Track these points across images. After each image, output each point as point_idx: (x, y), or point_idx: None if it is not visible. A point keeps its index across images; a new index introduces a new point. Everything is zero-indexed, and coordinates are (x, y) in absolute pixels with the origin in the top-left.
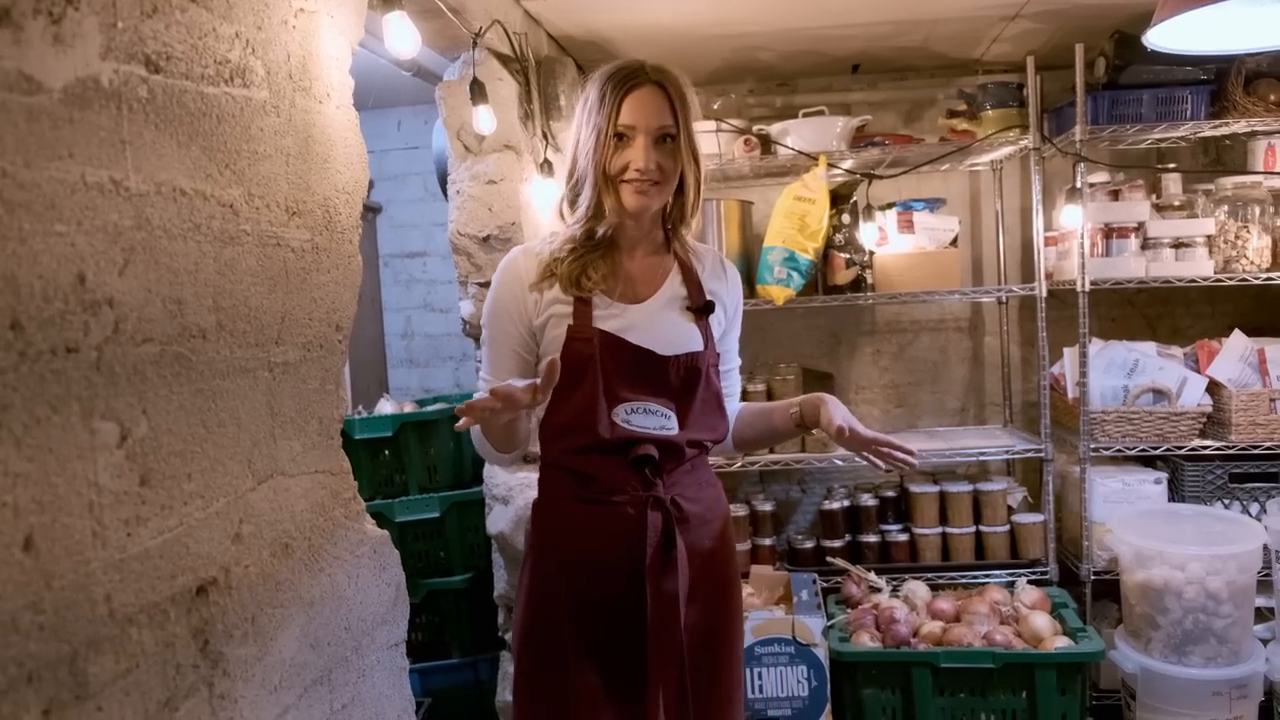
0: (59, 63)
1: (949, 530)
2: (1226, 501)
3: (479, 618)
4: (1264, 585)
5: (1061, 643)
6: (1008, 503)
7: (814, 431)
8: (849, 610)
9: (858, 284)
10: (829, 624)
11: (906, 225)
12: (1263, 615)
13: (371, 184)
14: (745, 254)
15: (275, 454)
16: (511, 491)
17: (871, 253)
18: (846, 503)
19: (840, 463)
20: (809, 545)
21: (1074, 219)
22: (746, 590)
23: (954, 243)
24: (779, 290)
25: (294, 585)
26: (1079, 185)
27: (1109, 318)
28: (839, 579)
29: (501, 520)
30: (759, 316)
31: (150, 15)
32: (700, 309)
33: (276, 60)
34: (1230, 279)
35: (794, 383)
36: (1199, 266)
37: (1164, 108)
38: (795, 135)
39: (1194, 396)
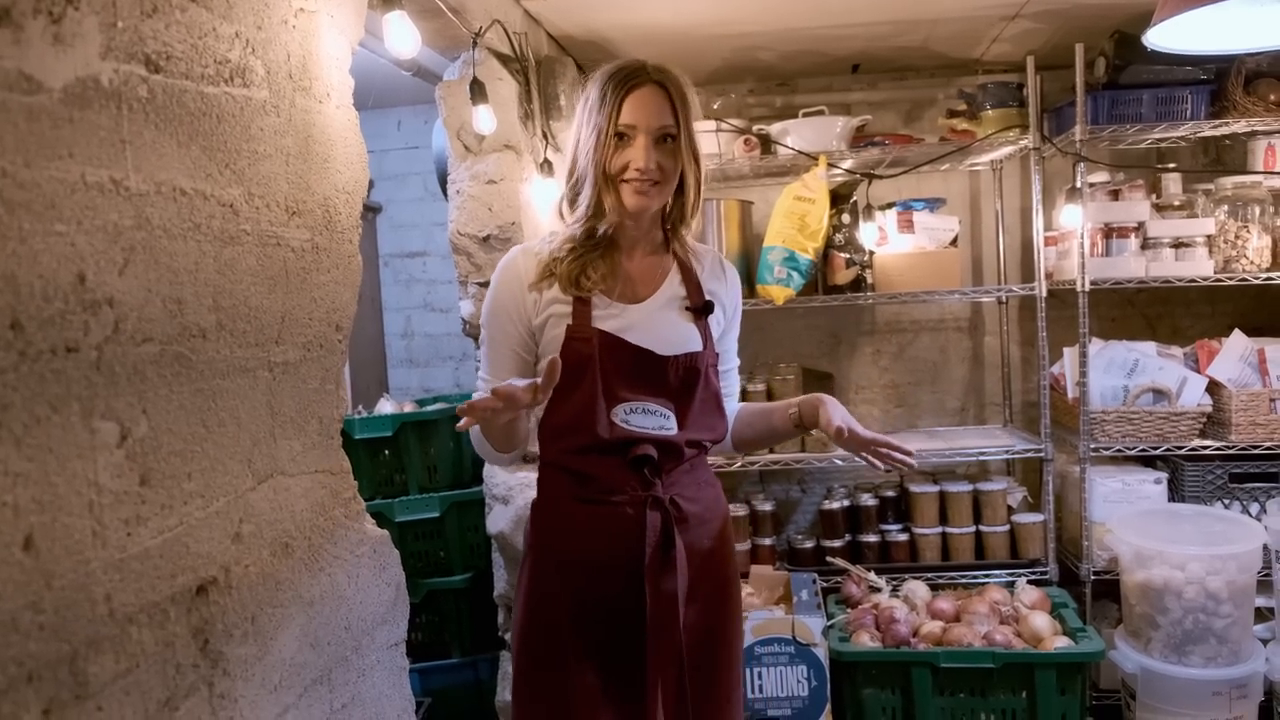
0: (59, 62)
1: (949, 530)
2: (1226, 501)
3: (479, 617)
4: (1264, 585)
5: (1061, 643)
6: (1008, 503)
7: (813, 432)
8: (849, 610)
9: (858, 284)
10: (829, 624)
11: (906, 225)
12: (1263, 615)
13: (371, 184)
14: (745, 254)
15: (275, 453)
16: (511, 491)
17: (871, 253)
18: (846, 503)
19: (840, 463)
20: (809, 545)
21: (1074, 219)
22: (746, 590)
23: (954, 243)
24: (779, 290)
25: (294, 585)
26: (1079, 185)
27: (1109, 318)
28: (839, 579)
29: (501, 520)
30: (759, 316)
31: (150, 15)
32: (699, 309)
33: (276, 60)
34: (1230, 279)
35: (794, 383)
36: (1199, 266)
37: (1164, 108)
38: (795, 135)
39: (1194, 396)
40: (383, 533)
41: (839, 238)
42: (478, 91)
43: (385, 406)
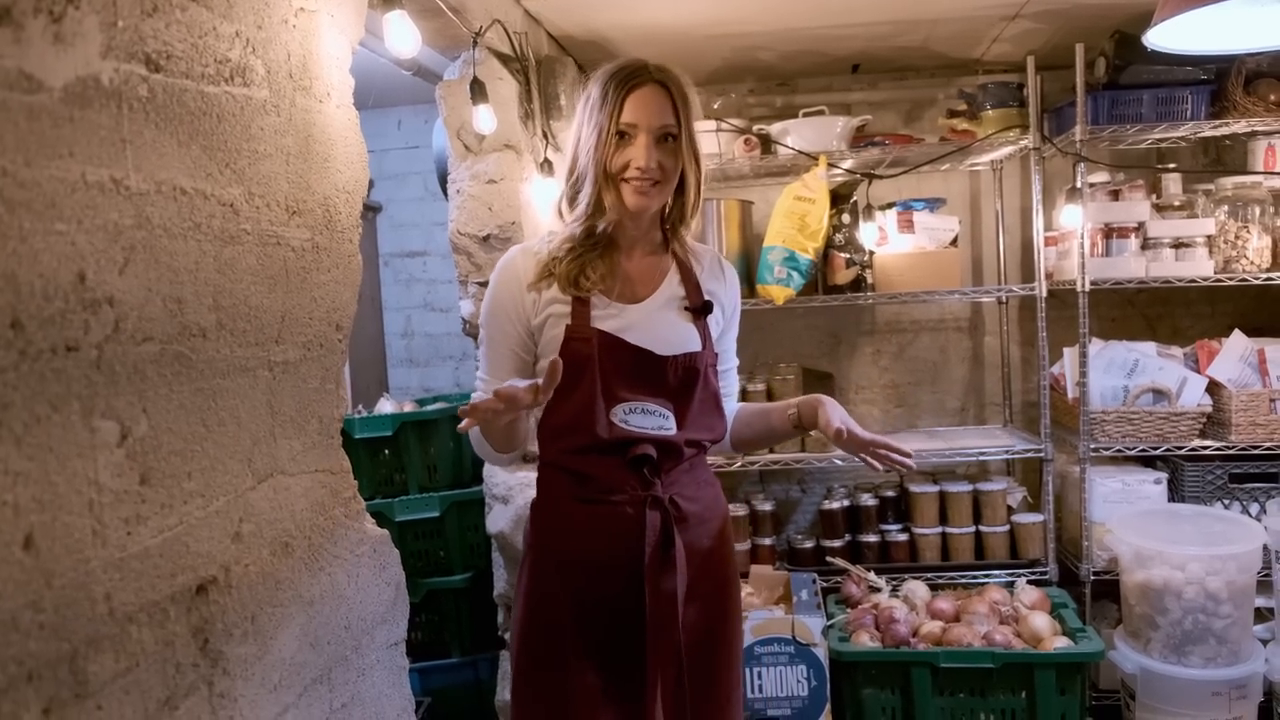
0: (59, 61)
1: (949, 530)
2: (1226, 502)
3: (479, 617)
4: (1264, 585)
5: (1061, 643)
6: (1007, 503)
7: (813, 432)
8: (849, 610)
9: (858, 284)
10: (829, 624)
11: (906, 225)
12: (1262, 615)
13: (371, 183)
14: (745, 254)
15: (275, 453)
16: (511, 491)
17: (871, 252)
18: (846, 502)
19: (840, 463)
20: (809, 545)
21: (1074, 219)
22: (746, 590)
23: (954, 243)
24: (779, 290)
25: (294, 584)
26: (1079, 185)
27: (1109, 318)
28: (839, 579)
29: (501, 520)
30: (759, 316)
31: (150, 14)
32: (698, 309)
33: (277, 59)
34: (1230, 279)
35: (794, 383)
36: (1199, 266)
37: (1164, 108)
38: (795, 135)
39: (1194, 396)
40: (383, 532)
41: (839, 238)
42: (478, 91)
43: (385, 406)
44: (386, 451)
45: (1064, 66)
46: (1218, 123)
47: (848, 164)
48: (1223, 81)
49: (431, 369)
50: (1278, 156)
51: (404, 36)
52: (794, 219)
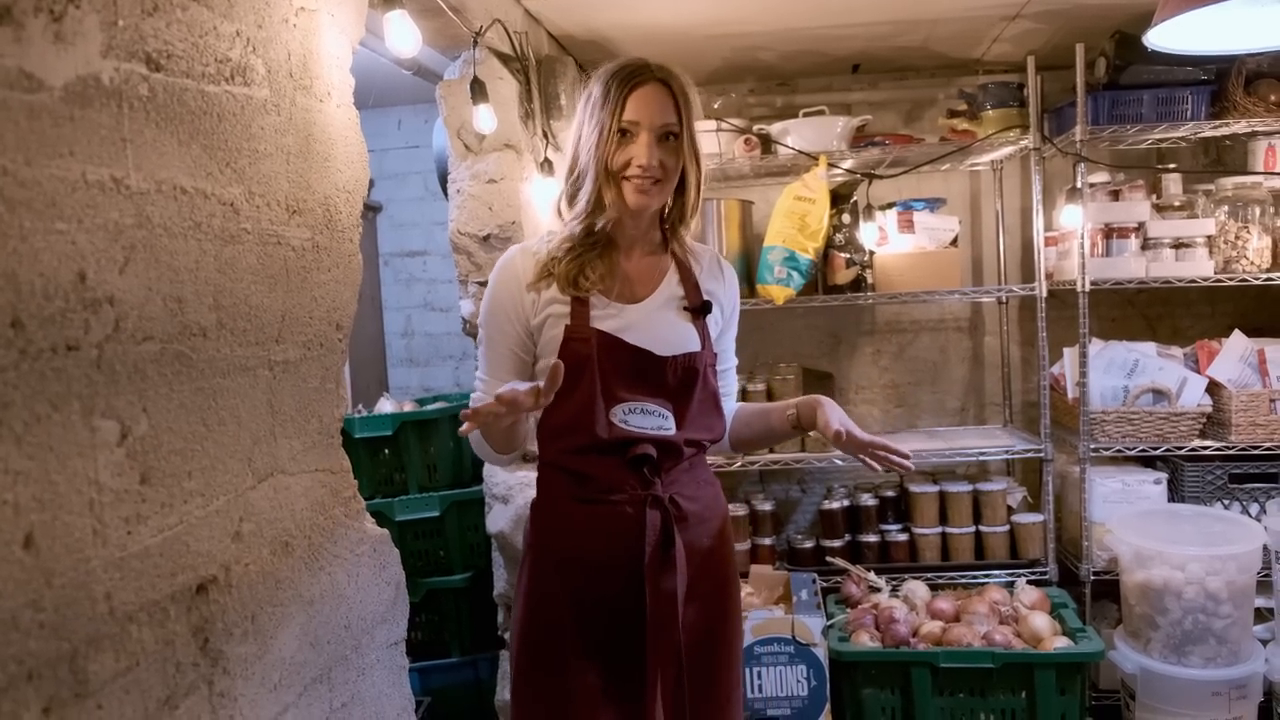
0: (60, 61)
1: (949, 530)
2: (1226, 502)
3: (478, 617)
4: (1263, 585)
5: (1061, 643)
6: (1007, 503)
7: (811, 433)
8: (848, 610)
9: (858, 284)
10: (828, 624)
11: (906, 225)
12: (1262, 615)
13: (372, 183)
14: (745, 253)
15: (275, 452)
16: (511, 490)
17: (871, 252)
18: (846, 502)
19: (840, 462)
20: (809, 545)
21: (1074, 219)
22: (746, 590)
23: (954, 243)
24: (779, 290)
25: (294, 584)
26: (1079, 185)
27: (1109, 318)
28: (839, 579)
29: (501, 519)
30: (759, 316)
31: (151, 13)
32: (697, 309)
33: (277, 59)
34: (1230, 279)
35: (794, 382)
36: (1199, 267)
37: (1164, 108)
38: (795, 135)
39: (1194, 397)
40: (383, 532)
41: (839, 238)
42: (478, 91)
43: (385, 405)
44: (386, 451)
45: (1064, 66)
46: (1218, 123)
47: (848, 164)
48: (1223, 82)
49: (431, 368)
50: (1278, 157)
51: (404, 36)
52: (794, 219)
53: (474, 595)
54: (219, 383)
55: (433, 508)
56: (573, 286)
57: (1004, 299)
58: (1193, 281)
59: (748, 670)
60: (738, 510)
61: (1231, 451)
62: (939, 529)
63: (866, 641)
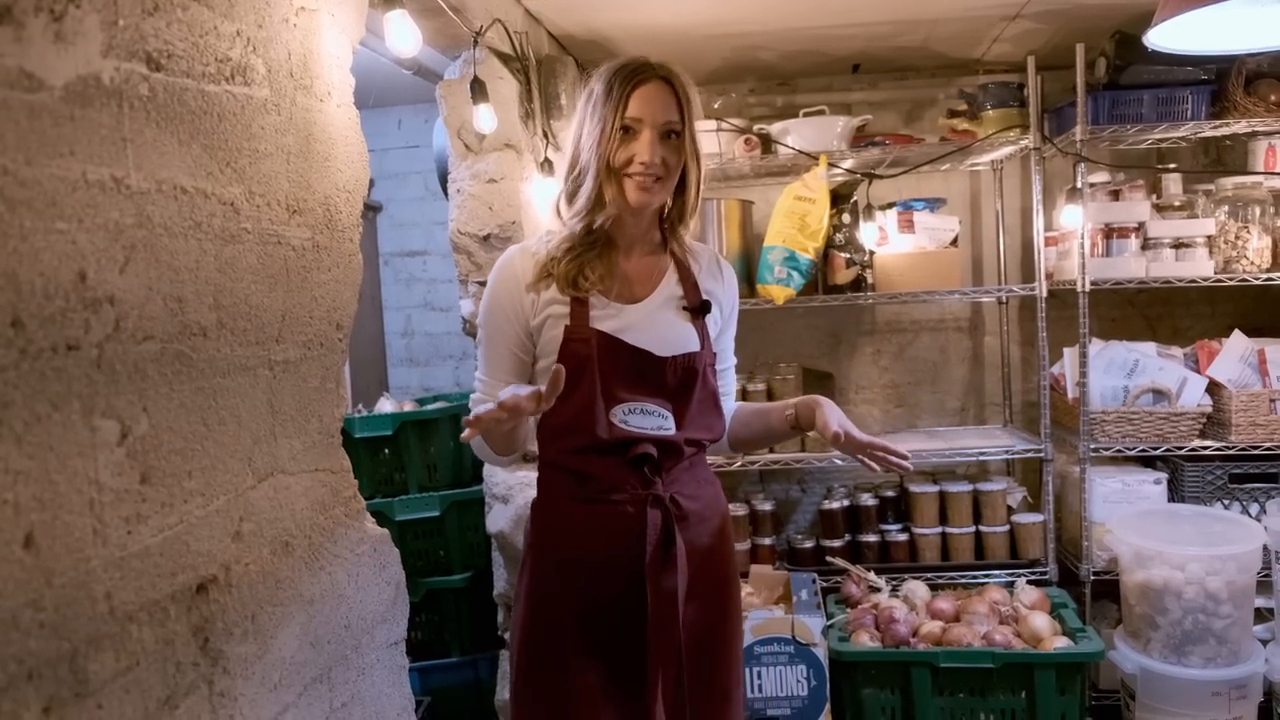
0: (60, 60)
1: (949, 530)
2: (1226, 502)
3: (478, 617)
4: (1263, 585)
5: (1061, 643)
6: (1007, 503)
7: (810, 433)
8: (848, 610)
9: (858, 284)
10: (828, 624)
11: (907, 225)
12: (1262, 616)
13: (372, 182)
14: (745, 253)
15: (276, 452)
16: (511, 490)
17: (872, 252)
18: (846, 502)
19: (840, 462)
20: (809, 545)
21: (1074, 219)
22: (746, 590)
23: (954, 243)
24: (779, 290)
25: (294, 583)
26: (1079, 185)
27: (1109, 318)
28: (839, 579)
29: (501, 519)
30: (759, 316)
31: (151, 13)
32: (697, 309)
33: (277, 58)
34: (1230, 279)
35: (794, 382)
36: (1199, 267)
37: (1164, 108)
38: (795, 135)
39: (1194, 397)
40: (383, 531)
41: (839, 237)
42: (478, 90)
43: (385, 405)
44: (386, 451)
45: (1064, 66)
46: (1218, 123)
47: (848, 164)
48: (1223, 82)
49: (431, 368)
50: (1278, 157)
51: (404, 36)
52: (794, 219)
53: (474, 595)
54: (219, 382)
55: (433, 507)
56: (572, 287)
57: (1004, 299)
58: (1193, 281)
59: (748, 670)
60: (738, 510)
61: (1231, 451)
62: (939, 529)
63: (866, 641)
